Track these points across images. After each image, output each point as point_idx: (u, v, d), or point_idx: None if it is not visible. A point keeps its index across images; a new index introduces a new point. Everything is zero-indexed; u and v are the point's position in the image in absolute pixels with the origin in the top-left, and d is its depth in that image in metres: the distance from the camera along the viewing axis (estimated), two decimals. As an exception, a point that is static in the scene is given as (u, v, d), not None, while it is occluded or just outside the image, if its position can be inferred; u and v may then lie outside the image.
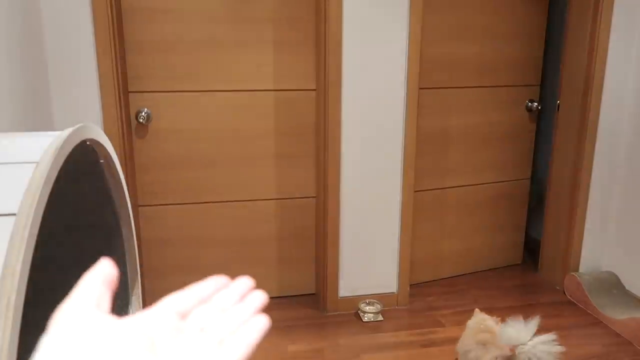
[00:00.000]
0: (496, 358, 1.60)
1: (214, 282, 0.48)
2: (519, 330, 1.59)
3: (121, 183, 1.26)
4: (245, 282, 0.49)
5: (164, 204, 2.35)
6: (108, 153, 1.14)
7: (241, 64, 2.26)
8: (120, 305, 1.41)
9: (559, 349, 1.58)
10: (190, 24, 2.18)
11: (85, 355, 0.35)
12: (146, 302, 2.50)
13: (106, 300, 0.42)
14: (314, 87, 2.35)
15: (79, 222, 1.23)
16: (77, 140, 0.91)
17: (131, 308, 1.47)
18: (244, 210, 2.42)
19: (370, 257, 2.39)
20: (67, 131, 0.88)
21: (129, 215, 1.33)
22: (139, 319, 0.41)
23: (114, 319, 0.40)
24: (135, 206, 2.29)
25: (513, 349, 1.57)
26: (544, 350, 1.55)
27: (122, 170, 2.08)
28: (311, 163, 2.43)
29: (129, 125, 2.20)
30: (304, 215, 2.48)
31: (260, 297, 0.47)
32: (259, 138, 2.35)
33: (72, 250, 1.23)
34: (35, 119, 1.80)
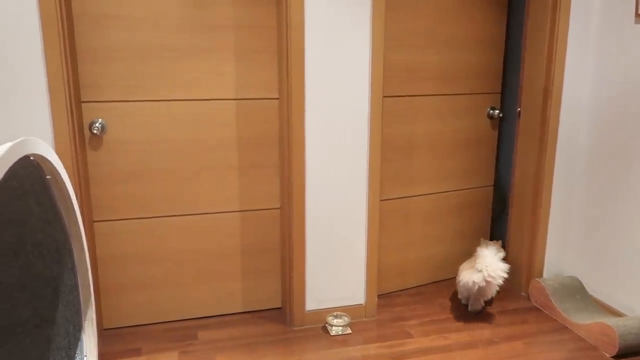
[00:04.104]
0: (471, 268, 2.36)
1: None
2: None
3: (70, 199, 1.17)
4: None
5: (121, 218, 2.24)
6: (55, 168, 1.05)
7: (200, 73, 2.18)
8: (72, 331, 1.31)
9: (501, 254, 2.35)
10: (146, 31, 2.09)
11: None
12: (103, 322, 2.37)
13: None
14: (277, 96, 2.29)
15: (24, 242, 1.14)
16: (17, 156, 0.83)
17: (84, 334, 1.37)
18: (207, 223, 2.34)
19: (337, 269, 2.34)
20: (6, 146, 0.80)
21: (80, 233, 1.24)
22: None
23: None
24: (89, 222, 2.17)
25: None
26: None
27: (75, 184, 1.97)
28: (275, 173, 2.37)
29: (82, 136, 2.09)
30: (269, 227, 2.42)
31: None
32: (221, 148, 2.28)
33: (17, 272, 1.14)
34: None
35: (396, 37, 2.40)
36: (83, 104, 2.09)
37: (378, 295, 2.46)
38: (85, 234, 2.09)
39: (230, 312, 2.44)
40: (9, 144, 0.80)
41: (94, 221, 2.22)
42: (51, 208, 1.15)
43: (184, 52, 2.15)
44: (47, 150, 0.98)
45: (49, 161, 1.00)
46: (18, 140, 0.83)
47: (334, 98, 2.17)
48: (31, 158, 0.99)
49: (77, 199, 1.97)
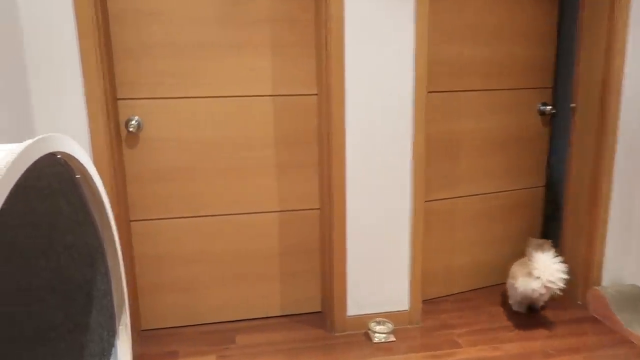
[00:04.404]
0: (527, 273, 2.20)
1: None
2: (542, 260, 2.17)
3: (102, 200, 1.11)
4: None
5: (158, 218, 2.20)
6: (84, 167, 0.99)
7: (237, 69, 2.12)
8: (106, 337, 1.25)
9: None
10: (182, 27, 2.03)
11: None
12: (140, 323, 2.33)
13: None
14: (315, 92, 2.20)
15: (55, 244, 1.08)
16: (39, 154, 0.76)
17: (118, 340, 1.31)
18: (244, 224, 2.27)
19: (379, 273, 2.23)
20: (26, 143, 0.73)
21: (113, 236, 1.17)
22: None
23: None
24: (126, 221, 2.14)
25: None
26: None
27: (111, 183, 1.93)
28: (314, 173, 2.28)
29: (118, 134, 2.05)
30: (308, 228, 2.33)
31: None
32: (258, 147, 2.20)
33: (48, 275, 1.07)
34: (13, 131, 1.65)
35: (441, 29, 2.27)
36: (119, 102, 2.05)
37: (422, 301, 2.33)
38: (122, 233, 2.05)
39: (268, 316, 2.37)
40: (29, 141, 0.73)
41: (130, 220, 2.19)
42: (82, 209, 1.08)
43: (219, 47, 2.08)
44: (74, 148, 0.91)
45: (77, 160, 0.94)
46: (39, 137, 0.76)
47: (376, 94, 2.06)
48: (58, 156, 0.92)
49: (113, 198, 1.94)
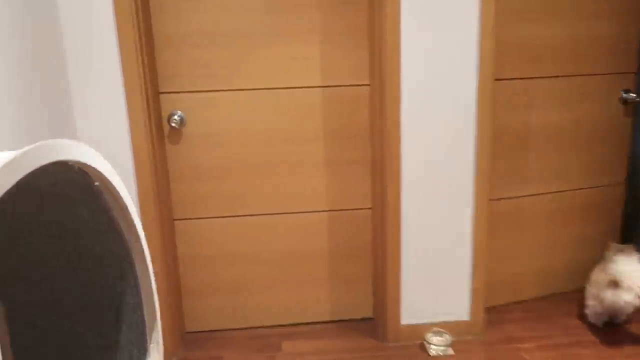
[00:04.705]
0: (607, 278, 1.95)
1: None
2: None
3: (127, 208, 0.99)
4: None
5: (202, 217, 2.10)
6: (102, 174, 0.87)
7: (284, 58, 1.97)
8: (136, 355, 1.13)
9: None
10: (226, 14, 1.91)
11: None
12: (185, 325, 2.25)
13: None
14: (368, 82, 2.02)
15: (81, 255, 0.97)
16: (34, 164, 0.64)
17: (149, 359, 1.19)
18: (292, 223, 2.13)
19: (437, 278, 2.04)
20: (12, 154, 0.60)
21: (142, 245, 1.05)
22: None
23: None
24: (169, 220, 2.05)
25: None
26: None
27: (153, 181, 1.84)
28: (366, 169, 2.11)
29: (160, 130, 1.96)
30: (359, 229, 2.17)
31: None
32: (306, 142, 2.06)
33: (76, 288, 0.97)
34: (53, 125, 1.58)
35: (511, 6, 2.03)
36: (161, 95, 1.96)
37: (485, 308, 2.13)
38: (165, 233, 1.97)
39: (316, 321, 2.23)
40: (20, 151, 0.61)
41: (174, 219, 2.10)
42: (106, 218, 0.96)
43: (265, 35, 1.94)
44: (85, 152, 0.78)
45: (93, 167, 0.81)
46: (33, 145, 0.64)
47: (435, 83, 1.86)
48: (70, 164, 0.80)
49: (155, 196, 1.85)
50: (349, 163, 2.09)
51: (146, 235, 1.91)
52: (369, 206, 2.15)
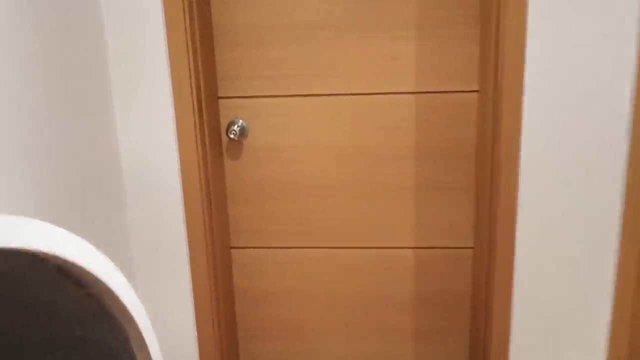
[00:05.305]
0: None
1: None
2: None
3: (113, 292, 0.63)
4: None
5: (264, 246, 1.76)
6: (59, 257, 0.52)
7: (368, 57, 1.58)
8: None
9: None
10: (300, 3, 1.55)
11: None
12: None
13: None
14: (476, 88, 1.59)
15: (59, 339, 0.63)
16: None
17: None
18: (369, 260, 1.74)
19: (559, 340, 1.56)
20: None
21: (140, 332, 0.69)
22: None
23: None
24: (225, 249, 1.72)
25: None
26: None
27: (203, 204, 1.51)
28: (469, 198, 1.66)
29: (217, 142, 1.63)
30: (456, 272, 1.73)
31: None
32: (393, 160, 1.65)
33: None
34: (94, 137, 1.29)
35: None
36: (220, 101, 1.63)
37: (621, 388, 1.61)
38: (220, 264, 1.64)
39: (396, 381, 1.81)
40: None
41: (231, 247, 1.77)
42: (88, 299, 0.62)
43: (347, 29, 1.56)
44: (28, 235, 0.43)
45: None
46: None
47: (571, 90, 1.40)
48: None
49: (206, 221, 1.52)
50: (446, 189, 1.66)
51: (195, 267, 1.60)
52: (471, 245, 1.70)
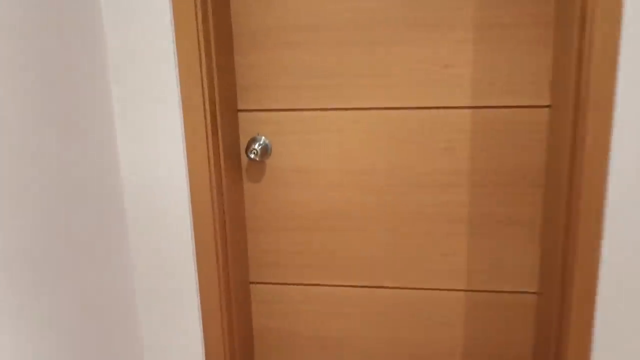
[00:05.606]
0: None
1: None
2: None
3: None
4: None
5: (287, 282, 1.51)
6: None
7: (416, 63, 1.32)
8: None
9: None
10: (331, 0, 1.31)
11: None
12: None
13: None
14: (548, 103, 1.31)
15: None
16: None
17: None
18: (410, 303, 1.47)
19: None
20: None
21: None
22: None
23: None
24: (243, 284, 1.49)
25: None
26: None
27: (215, 234, 1.27)
28: (533, 235, 1.39)
29: (236, 162, 1.39)
30: (514, 321, 1.45)
31: None
32: (441, 187, 1.39)
33: None
34: (87, 152, 1.06)
35: None
36: (240, 114, 1.40)
37: None
38: (237, 301, 1.40)
39: None
40: None
41: (250, 282, 1.53)
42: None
43: (391, 30, 1.31)
44: None
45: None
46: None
47: (673, 104, 1.12)
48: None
49: (220, 253, 1.28)
50: (506, 223, 1.39)
51: (206, 306, 1.36)
52: (534, 290, 1.42)
